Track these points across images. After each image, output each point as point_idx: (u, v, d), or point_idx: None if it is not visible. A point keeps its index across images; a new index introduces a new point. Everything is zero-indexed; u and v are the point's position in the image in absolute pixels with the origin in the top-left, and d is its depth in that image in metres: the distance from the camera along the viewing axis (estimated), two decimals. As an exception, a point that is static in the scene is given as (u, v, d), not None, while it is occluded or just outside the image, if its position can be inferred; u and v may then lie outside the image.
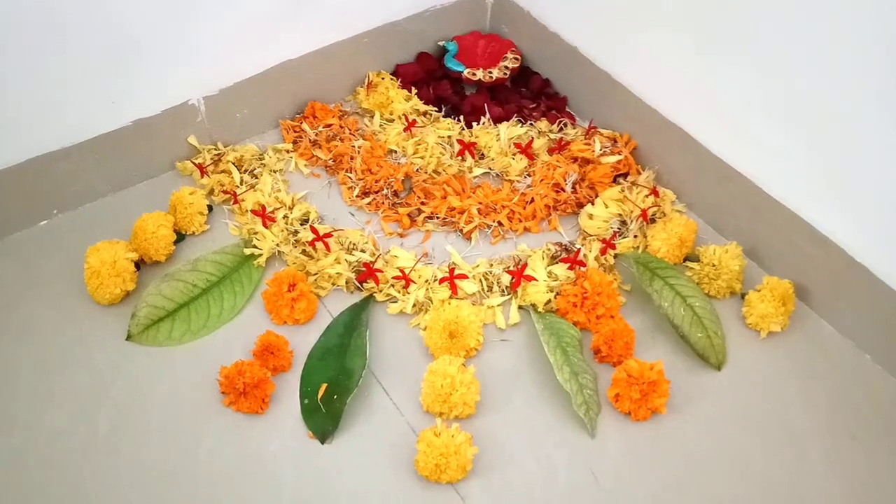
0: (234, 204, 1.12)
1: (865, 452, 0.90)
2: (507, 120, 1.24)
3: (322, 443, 0.89)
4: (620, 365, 0.91)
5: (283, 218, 1.07)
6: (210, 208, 1.12)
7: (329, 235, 1.03)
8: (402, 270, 1.01)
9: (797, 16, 0.89)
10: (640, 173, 1.16)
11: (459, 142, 1.19)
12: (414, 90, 1.28)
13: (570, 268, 1.02)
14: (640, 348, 0.98)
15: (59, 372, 0.94)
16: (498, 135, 1.20)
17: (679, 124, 1.10)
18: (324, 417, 0.90)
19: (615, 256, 1.06)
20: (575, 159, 1.16)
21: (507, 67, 1.31)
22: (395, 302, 1.01)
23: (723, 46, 1.00)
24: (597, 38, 1.19)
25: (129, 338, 0.97)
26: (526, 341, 0.99)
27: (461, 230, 1.11)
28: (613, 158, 1.15)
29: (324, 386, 0.92)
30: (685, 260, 1.07)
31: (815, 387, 0.96)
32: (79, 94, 1.02)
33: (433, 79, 1.32)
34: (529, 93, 1.31)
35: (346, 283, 1.03)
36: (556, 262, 1.04)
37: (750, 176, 1.04)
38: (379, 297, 1.02)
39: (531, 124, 1.24)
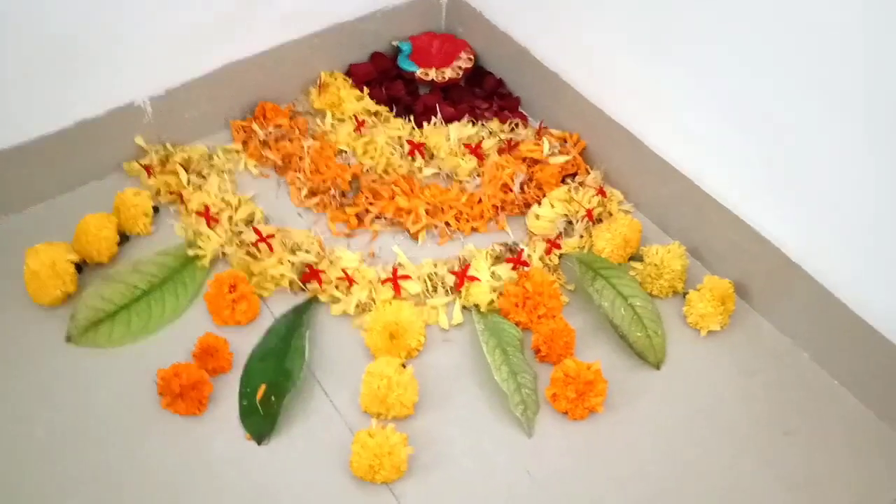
0: (180, 204, 1.11)
1: (798, 448, 0.91)
2: (459, 120, 1.24)
3: (258, 444, 0.89)
4: (557, 366, 0.92)
5: (228, 219, 1.07)
6: (156, 209, 1.11)
7: (271, 236, 1.03)
8: (344, 271, 1.01)
9: (733, 17, 0.89)
10: (588, 173, 1.17)
11: (409, 142, 1.19)
12: (366, 90, 1.28)
13: (514, 268, 1.03)
14: (581, 347, 0.99)
15: (-3, 375, 0.94)
16: (448, 135, 1.20)
17: (624, 125, 1.11)
18: (261, 419, 0.90)
19: (560, 256, 1.07)
20: (524, 160, 1.17)
21: (460, 68, 1.31)
22: (338, 303, 1.01)
23: (663, 47, 1.00)
24: (546, 39, 1.20)
25: (68, 340, 0.96)
26: (469, 341, 1.00)
27: (409, 230, 1.11)
28: (562, 159, 1.16)
29: (262, 387, 0.92)
30: (630, 259, 1.08)
31: (751, 384, 0.97)
32: (21, 94, 1.01)
33: (387, 78, 1.32)
34: (483, 93, 1.32)
35: (290, 283, 1.02)
36: (501, 263, 1.05)
37: (691, 176, 1.05)
38: (322, 297, 1.02)
39: (482, 124, 1.25)
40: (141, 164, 1.14)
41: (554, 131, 1.23)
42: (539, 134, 1.21)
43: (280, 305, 1.02)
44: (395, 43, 1.35)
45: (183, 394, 0.89)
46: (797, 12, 0.83)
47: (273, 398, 0.90)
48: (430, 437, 0.90)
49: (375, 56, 1.34)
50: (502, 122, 1.25)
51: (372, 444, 0.83)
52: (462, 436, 0.91)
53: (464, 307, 1.02)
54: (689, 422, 0.93)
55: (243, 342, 0.98)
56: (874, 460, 0.91)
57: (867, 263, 0.89)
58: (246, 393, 0.92)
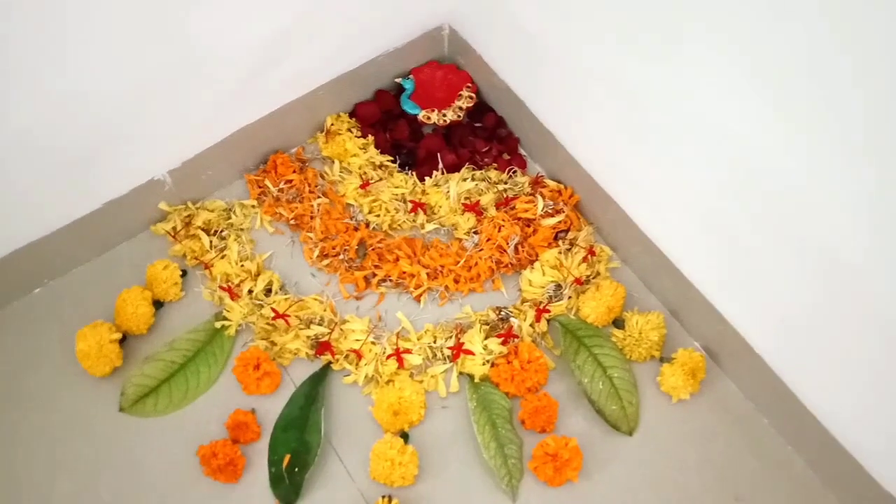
0: (205, 269, 1.23)
1: (746, 513, 1.06)
2: (461, 167, 1.31)
3: (286, 509, 1.06)
4: (539, 444, 1.06)
5: (248, 293, 1.19)
6: (184, 272, 1.23)
7: (287, 316, 1.15)
8: (354, 351, 1.13)
9: (705, 108, 0.92)
10: (580, 230, 1.25)
11: (411, 201, 1.27)
12: (371, 137, 1.34)
13: (504, 342, 1.14)
14: (564, 412, 1.12)
15: (62, 442, 1.11)
16: (448, 192, 1.27)
17: (612, 196, 1.17)
18: (287, 487, 1.06)
19: (548, 321, 1.18)
20: (518, 219, 1.24)
21: (460, 108, 1.35)
22: (349, 375, 1.14)
23: (643, 139, 1.05)
24: (540, 98, 1.23)
25: (121, 410, 1.13)
26: (465, 407, 1.13)
27: (411, 293, 1.22)
28: (553, 221, 1.23)
29: (287, 457, 1.08)
30: (614, 322, 1.18)
31: (712, 450, 1.10)
32: (49, 192, 1.11)
33: (391, 118, 1.37)
34: (483, 131, 1.36)
35: (306, 355, 1.16)
36: (494, 334, 1.16)
37: (670, 256, 1.12)
38: (335, 366, 1.15)
39: (482, 172, 1.31)
40: (166, 231, 1.25)
41: (549, 182, 1.29)
42: (534, 187, 1.28)
43: (299, 371, 1.16)
44: (397, 80, 1.38)
45: (221, 469, 1.06)
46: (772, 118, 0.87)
47: (297, 469, 1.07)
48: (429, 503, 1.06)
49: (379, 94, 1.38)
50: (501, 169, 1.31)
51: (379, 522, 1.00)
52: (455, 502, 1.06)
53: (460, 373, 1.15)
54: (651, 486, 1.08)
55: (269, 409, 1.13)
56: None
57: (815, 362, 0.99)
58: (273, 461, 1.08)
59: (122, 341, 1.16)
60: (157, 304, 1.20)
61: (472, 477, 1.08)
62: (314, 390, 1.13)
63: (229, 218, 1.28)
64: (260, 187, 1.30)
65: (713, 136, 0.92)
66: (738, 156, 0.90)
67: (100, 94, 1.03)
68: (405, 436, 1.09)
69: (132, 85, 1.04)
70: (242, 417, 1.09)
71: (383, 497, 1.04)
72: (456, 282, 1.22)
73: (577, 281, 1.19)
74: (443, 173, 1.30)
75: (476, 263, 1.22)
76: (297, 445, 1.08)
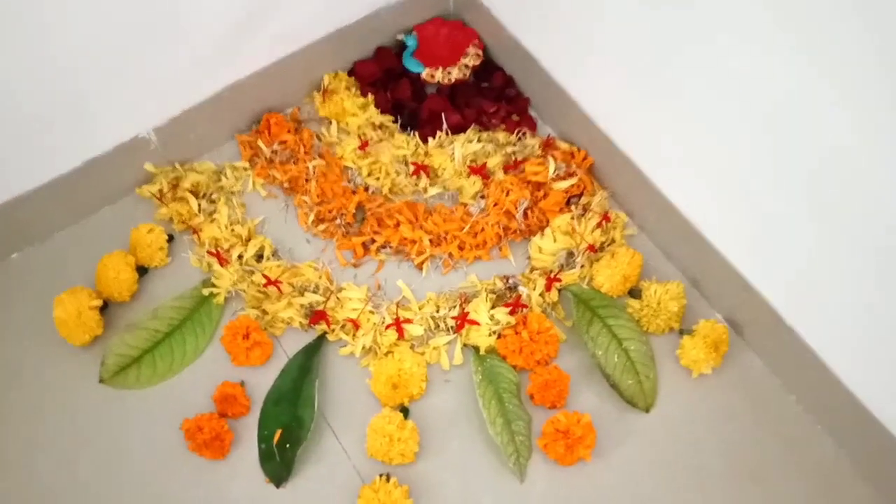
0: (193, 234, 1.15)
1: (763, 495, 0.97)
2: (466, 128, 1.23)
3: (277, 487, 0.99)
4: (549, 420, 0.98)
5: (238, 258, 1.11)
6: (171, 238, 1.16)
7: (279, 282, 1.08)
8: (350, 321, 1.06)
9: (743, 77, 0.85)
10: (594, 194, 1.16)
11: (413, 163, 1.19)
12: (371, 96, 1.26)
13: (512, 312, 1.06)
14: (576, 388, 1.04)
15: (38, 416, 1.04)
16: (453, 153, 1.19)
17: (627, 154, 1.09)
18: (278, 464, 0.99)
19: (559, 290, 1.10)
20: (528, 183, 1.16)
21: (466, 66, 1.27)
22: (345, 346, 1.07)
23: (663, 90, 0.96)
24: (552, 52, 1.15)
25: (101, 381, 1.05)
26: (469, 380, 1.05)
27: (413, 261, 1.14)
28: (565, 184, 1.15)
29: (278, 432, 1.00)
30: (630, 292, 1.10)
31: (733, 428, 1.02)
32: (24, 146, 1.03)
33: (392, 77, 1.29)
34: (491, 91, 1.28)
35: (300, 324, 1.08)
36: (501, 303, 1.08)
37: (692, 221, 1.04)
38: (331, 337, 1.08)
39: (490, 133, 1.23)
40: (151, 193, 1.17)
41: (561, 144, 1.21)
42: (545, 149, 1.20)
43: (292, 342, 1.08)
44: (399, 37, 1.30)
45: (207, 444, 0.98)
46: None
47: (288, 445, 0.99)
48: (430, 483, 0.99)
49: (380, 52, 1.30)
50: (509, 130, 1.23)
51: (375, 501, 0.92)
52: (458, 480, 0.99)
53: (464, 345, 1.07)
54: (666, 466, 1.00)
55: (260, 381, 1.05)
56: (843, 506, 0.98)
57: (848, 331, 0.91)
58: (264, 436, 1.01)
59: (104, 309, 1.09)
60: (142, 271, 1.13)
61: (476, 455, 1.01)
62: (308, 362, 1.05)
63: (219, 181, 1.21)
64: (252, 149, 1.22)
65: (745, 90, 0.84)
66: (775, 111, 0.82)
67: (75, 41, 0.95)
68: (405, 410, 1.02)
69: (108, 31, 0.97)
70: (230, 390, 1.02)
71: (381, 476, 0.96)
72: (460, 249, 1.14)
73: (591, 248, 1.11)
74: (447, 134, 1.22)
75: (482, 229, 1.14)
76: (288, 420, 1.01)
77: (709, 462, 1.00)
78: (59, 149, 1.07)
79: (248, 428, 1.03)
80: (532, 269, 1.12)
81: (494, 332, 1.06)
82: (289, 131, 1.22)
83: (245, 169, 1.22)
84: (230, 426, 1.01)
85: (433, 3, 1.30)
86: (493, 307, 1.07)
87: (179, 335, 1.08)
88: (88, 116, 1.06)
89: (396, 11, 1.26)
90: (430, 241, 1.14)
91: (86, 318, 1.05)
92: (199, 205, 1.17)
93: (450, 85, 1.26)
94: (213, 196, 1.18)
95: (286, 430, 1.00)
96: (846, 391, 0.95)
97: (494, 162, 1.19)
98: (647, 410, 1.03)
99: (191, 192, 1.17)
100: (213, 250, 1.11)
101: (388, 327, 1.06)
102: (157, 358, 1.06)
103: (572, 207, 1.15)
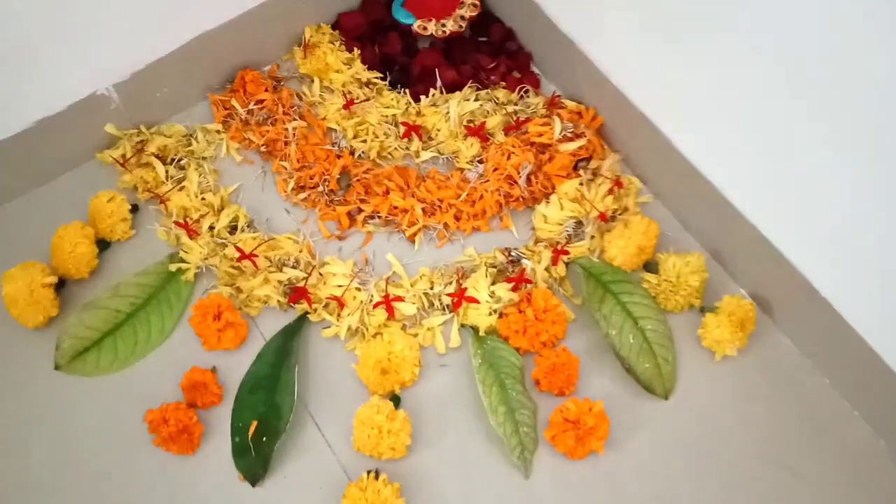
0: (160, 204, 1.04)
1: (795, 488, 0.88)
2: (463, 85, 1.11)
3: (253, 486, 0.88)
4: (557, 408, 0.87)
5: (209, 229, 1.00)
6: (135, 208, 1.04)
7: (255, 256, 0.96)
8: (335, 299, 0.95)
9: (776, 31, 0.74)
10: (604, 158, 1.05)
11: (404, 124, 1.07)
12: (357, 51, 1.13)
13: (514, 288, 0.95)
14: (586, 371, 0.94)
15: (-9, 403, 0.93)
16: (447, 113, 1.07)
17: (645, 112, 0.98)
18: (254, 460, 0.88)
19: (567, 264, 0.99)
20: (531, 144, 1.04)
21: (462, 18, 1.15)
22: (329, 327, 0.96)
23: (691, 43, 0.85)
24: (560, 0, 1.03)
25: (56, 368, 0.94)
26: (467, 364, 0.95)
27: (404, 232, 1.03)
28: (573, 145, 1.03)
29: (254, 424, 0.89)
30: (645, 265, 0.99)
31: (763, 416, 0.92)
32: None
33: (380, 31, 1.17)
34: (489, 46, 1.16)
35: (278, 303, 0.97)
36: (502, 278, 0.97)
37: (715, 183, 0.93)
38: (313, 317, 0.97)
39: (488, 91, 1.11)
40: (113, 158, 1.05)
41: (567, 102, 1.09)
42: (550, 108, 1.08)
43: (270, 323, 0.97)
44: (389, -14, 1.18)
45: (173, 437, 0.88)
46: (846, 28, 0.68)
47: (265, 438, 0.89)
48: (424, 478, 0.89)
49: (367, 3, 1.18)
50: (510, 88, 1.11)
51: (362, 501, 0.82)
52: (456, 475, 0.89)
53: (462, 325, 0.96)
54: (693, 458, 0.90)
55: (234, 367, 0.95)
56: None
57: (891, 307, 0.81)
58: (238, 428, 0.90)
59: (60, 287, 0.98)
60: (103, 245, 1.01)
61: (476, 448, 0.90)
62: (287, 345, 0.94)
63: (189, 145, 1.09)
64: (226, 109, 1.11)
65: (778, 25, 0.72)
66: (812, 52, 0.70)
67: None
68: (396, 399, 0.91)
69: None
70: (200, 377, 0.91)
71: (369, 472, 0.86)
72: (457, 219, 1.03)
73: (602, 217, 1.00)
74: (441, 92, 1.10)
75: (481, 197, 1.03)
76: (265, 410, 0.90)
77: (734, 453, 0.90)
78: (4, 107, 0.95)
79: (221, 419, 0.92)
80: (537, 241, 1.01)
81: (495, 311, 0.95)
82: (266, 90, 1.10)
83: (218, 132, 1.10)
84: (200, 417, 0.90)
85: (425, -51, 1.17)
86: (493, 283, 0.96)
87: (143, 315, 0.97)
88: (37, 69, 0.94)
89: (385, -43, 1.14)
90: (423, 210, 1.02)
91: (39, 297, 0.93)
92: (167, 171, 1.05)
93: (444, 38, 1.14)
94: (183, 161, 1.07)
95: (263, 422, 0.89)
96: (890, 372, 0.84)
97: (494, 122, 1.07)
98: (665, 397, 0.92)
99: (157, 156, 1.05)
100: (182, 221, 1.00)
101: (376, 306, 0.95)
102: (118, 341, 0.95)
103: (581, 172, 1.04)
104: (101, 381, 0.94)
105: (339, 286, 0.96)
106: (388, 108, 1.08)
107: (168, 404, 0.89)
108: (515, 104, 1.10)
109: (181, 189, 1.03)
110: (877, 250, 0.78)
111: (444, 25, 1.14)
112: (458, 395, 0.93)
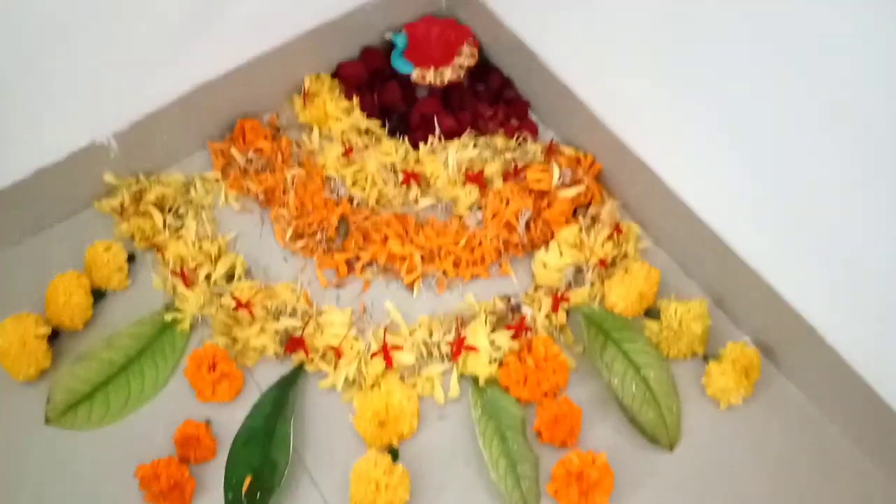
0: (157, 253, 1.03)
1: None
2: (461, 133, 1.11)
3: (246, 543, 0.86)
4: (559, 461, 0.85)
5: (206, 278, 0.99)
6: (132, 257, 1.03)
7: (251, 305, 0.95)
8: (333, 348, 0.93)
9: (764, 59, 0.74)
10: (603, 203, 1.05)
11: (403, 171, 1.07)
12: (356, 99, 1.14)
13: (515, 336, 0.94)
14: (589, 421, 0.91)
15: (-22, 459, 0.91)
16: (446, 160, 1.07)
17: (643, 158, 0.98)
18: (247, 516, 0.86)
19: (567, 311, 0.97)
20: (530, 191, 1.04)
21: (461, 66, 1.16)
22: (326, 377, 0.94)
23: (685, 84, 0.86)
24: (556, 47, 1.04)
25: (47, 421, 0.92)
26: (467, 415, 0.92)
27: (403, 280, 1.02)
28: (572, 192, 1.03)
29: (248, 479, 0.87)
30: (646, 312, 0.98)
31: (769, 466, 0.90)
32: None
33: (380, 80, 1.17)
34: (487, 93, 1.17)
35: (275, 353, 0.95)
36: (502, 325, 0.96)
37: (713, 226, 0.93)
38: (309, 367, 0.95)
39: (487, 139, 1.11)
40: (111, 207, 1.05)
41: (566, 149, 1.09)
42: (549, 155, 1.08)
43: (266, 374, 0.96)
44: (388, 36, 1.19)
45: (164, 493, 0.85)
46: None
47: (259, 494, 0.86)
48: (424, 535, 0.86)
49: (366, 53, 1.19)
50: (509, 135, 1.12)
51: (359, 561, 0.79)
52: (457, 533, 0.86)
53: (461, 375, 0.94)
54: (699, 512, 0.87)
55: (229, 419, 0.92)
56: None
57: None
58: (231, 484, 0.88)
59: (53, 338, 0.96)
60: (98, 295, 1.00)
61: (476, 502, 0.87)
62: (283, 396, 0.92)
63: (188, 193, 1.08)
64: (225, 157, 1.11)
65: (778, 71, 0.73)
66: (814, 96, 0.71)
67: (17, 20, 0.83)
68: (394, 452, 0.89)
69: (56, 15, 0.85)
70: (193, 430, 0.89)
71: (364, 532, 0.83)
72: (456, 266, 1.02)
73: (602, 263, 0.99)
74: (440, 140, 1.11)
75: (480, 244, 1.02)
76: (260, 464, 0.88)
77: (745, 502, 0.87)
78: (2, 157, 0.95)
79: (214, 474, 0.89)
80: (536, 288, 1.00)
81: (495, 360, 0.93)
82: (265, 138, 1.11)
83: (217, 180, 1.10)
84: (193, 472, 0.88)
85: (424, 4, 1.19)
86: (493, 331, 0.95)
87: (137, 367, 0.95)
88: (36, 118, 0.94)
89: (384, 7, 1.16)
90: (422, 257, 1.02)
91: (31, 349, 0.92)
92: (165, 220, 1.05)
93: (443, 87, 1.15)
94: (181, 210, 1.06)
95: (257, 476, 0.87)
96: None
97: (492, 169, 1.07)
98: (670, 448, 0.90)
99: (155, 205, 1.05)
100: (178, 270, 0.99)
101: (374, 355, 0.93)
102: (110, 394, 0.93)
103: (580, 218, 1.03)
104: (92, 435, 0.92)
105: (337, 335, 0.95)
106: (386, 155, 1.08)
107: (160, 459, 0.87)
108: (514, 151, 1.10)
109: (178, 237, 1.03)
110: (881, 295, 0.77)
111: (442, 74, 1.15)
112: (458, 447, 0.91)
